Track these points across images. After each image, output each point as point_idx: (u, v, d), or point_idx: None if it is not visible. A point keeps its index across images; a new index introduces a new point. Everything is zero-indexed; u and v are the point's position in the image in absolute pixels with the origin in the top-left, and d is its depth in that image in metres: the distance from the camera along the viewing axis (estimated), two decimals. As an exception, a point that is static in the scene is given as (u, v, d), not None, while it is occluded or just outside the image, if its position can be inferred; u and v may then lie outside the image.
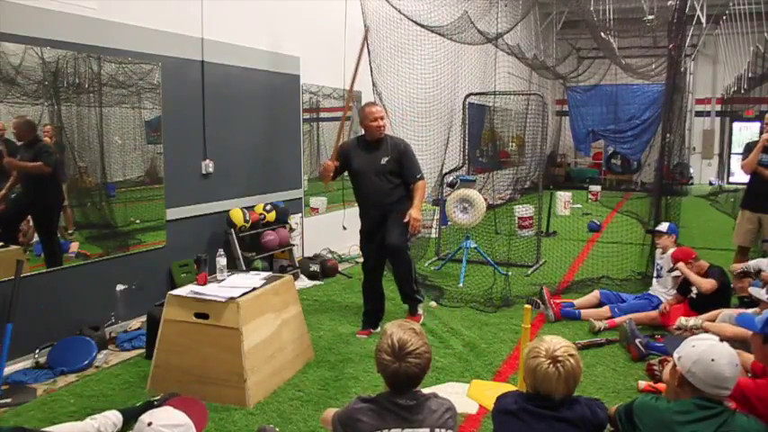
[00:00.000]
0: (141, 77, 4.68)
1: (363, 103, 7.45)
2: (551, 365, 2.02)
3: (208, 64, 5.28)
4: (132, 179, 4.78)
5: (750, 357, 2.83)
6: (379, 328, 4.57)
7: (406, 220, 4.30)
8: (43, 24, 3.93)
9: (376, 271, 4.67)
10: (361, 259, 7.14)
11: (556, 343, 2.08)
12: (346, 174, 4.60)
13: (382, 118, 4.41)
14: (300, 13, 6.53)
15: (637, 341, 4.09)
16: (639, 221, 9.22)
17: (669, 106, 6.34)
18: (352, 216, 7.58)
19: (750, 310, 3.77)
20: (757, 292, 3.63)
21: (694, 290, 4.55)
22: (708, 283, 4.41)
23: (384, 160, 4.39)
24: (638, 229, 8.39)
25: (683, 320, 4.12)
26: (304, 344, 4.02)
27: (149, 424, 1.95)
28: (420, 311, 4.71)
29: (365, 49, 5.00)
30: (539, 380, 2.05)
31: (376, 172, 4.39)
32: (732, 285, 4.79)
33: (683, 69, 6.46)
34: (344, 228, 7.44)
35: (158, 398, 3.15)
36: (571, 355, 2.05)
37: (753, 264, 4.68)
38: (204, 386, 3.40)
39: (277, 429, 3.05)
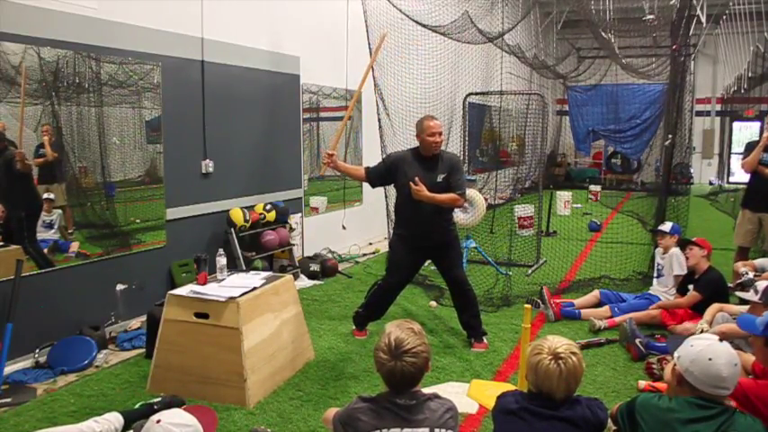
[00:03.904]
0: (141, 77, 4.68)
1: (364, 102, 7.53)
2: (553, 362, 2.02)
3: (208, 64, 5.28)
4: (132, 179, 4.78)
5: (750, 358, 2.83)
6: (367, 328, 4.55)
7: (418, 189, 4.02)
8: (43, 24, 3.93)
9: (402, 287, 4.46)
10: (362, 259, 7.22)
11: (558, 341, 2.09)
12: (339, 174, 4.42)
13: (441, 134, 4.14)
14: (300, 13, 6.53)
15: (637, 341, 4.09)
16: (640, 221, 9.23)
17: (676, 108, 6.33)
18: (351, 216, 7.62)
19: (742, 308, 3.80)
20: (745, 294, 3.65)
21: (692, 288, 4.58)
22: (686, 303, 4.54)
23: (440, 178, 4.12)
24: (638, 228, 8.39)
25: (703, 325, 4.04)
26: (304, 343, 4.02)
27: (158, 421, 1.97)
28: (485, 340, 4.35)
29: (379, 53, 4.84)
30: (540, 377, 2.05)
31: (433, 191, 4.08)
32: (731, 285, 4.79)
33: (685, 69, 6.45)
34: (344, 227, 7.44)
35: (158, 400, 3.14)
36: (573, 353, 2.05)
37: (758, 263, 4.69)
38: (204, 386, 3.40)
39: (269, 430, 3.05)
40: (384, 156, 5.24)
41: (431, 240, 4.24)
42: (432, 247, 4.29)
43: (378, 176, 4.36)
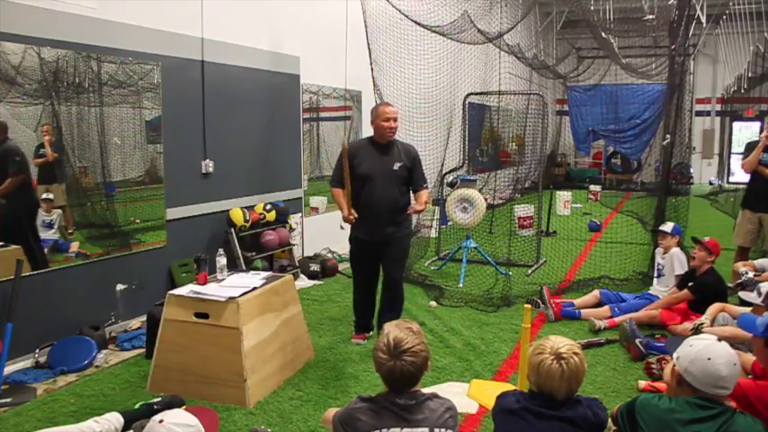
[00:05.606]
0: (141, 77, 4.68)
1: (363, 102, 7.53)
2: (555, 362, 2.02)
3: (208, 64, 5.27)
4: (132, 179, 4.78)
5: (750, 358, 2.83)
6: (371, 332, 4.51)
7: (409, 212, 4.16)
8: (43, 24, 3.93)
9: (372, 285, 4.43)
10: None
11: (560, 341, 2.09)
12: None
13: (395, 120, 4.15)
14: (300, 13, 6.53)
15: (637, 341, 4.09)
16: (640, 221, 9.23)
17: (675, 108, 6.33)
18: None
19: (743, 309, 3.80)
20: (747, 295, 3.65)
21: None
22: (675, 301, 4.59)
23: (397, 166, 4.13)
24: (638, 228, 8.39)
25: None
26: (304, 343, 4.02)
27: (161, 421, 1.99)
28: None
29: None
30: (542, 376, 2.05)
31: (389, 178, 4.11)
32: (731, 285, 4.79)
33: (684, 69, 6.45)
34: (342, 227, 7.42)
35: (158, 400, 3.15)
36: (575, 354, 2.05)
37: (758, 263, 4.69)
38: (204, 386, 3.40)
39: (269, 430, 3.05)
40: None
41: (384, 234, 4.18)
42: (381, 238, 4.21)
43: (350, 174, 4.16)
